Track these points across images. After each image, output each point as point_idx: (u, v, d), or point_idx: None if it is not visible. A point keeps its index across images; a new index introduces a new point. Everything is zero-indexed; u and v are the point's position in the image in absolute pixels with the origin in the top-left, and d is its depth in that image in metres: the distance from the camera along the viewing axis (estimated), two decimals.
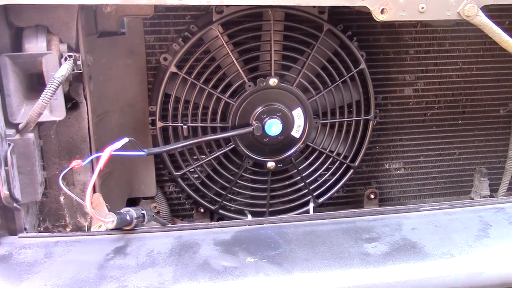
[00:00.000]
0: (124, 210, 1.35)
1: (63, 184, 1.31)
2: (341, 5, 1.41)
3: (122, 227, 1.34)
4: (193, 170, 1.89)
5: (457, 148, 2.17)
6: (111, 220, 1.29)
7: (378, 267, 1.24)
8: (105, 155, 1.25)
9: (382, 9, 1.44)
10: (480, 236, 1.36)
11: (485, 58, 2.07)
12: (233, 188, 1.93)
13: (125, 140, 1.32)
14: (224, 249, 1.29)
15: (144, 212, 1.39)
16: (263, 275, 1.21)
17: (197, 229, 1.39)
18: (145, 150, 1.45)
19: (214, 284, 1.18)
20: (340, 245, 1.31)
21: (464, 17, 1.48)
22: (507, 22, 1.94)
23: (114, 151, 1.28)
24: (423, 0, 1.44)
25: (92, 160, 1.43)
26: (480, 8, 1.49)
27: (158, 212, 1.93)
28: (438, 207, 1.49)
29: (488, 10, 1.50)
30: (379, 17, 1.45)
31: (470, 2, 1.47)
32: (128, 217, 1.34)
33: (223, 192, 1.92)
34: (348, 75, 1.86)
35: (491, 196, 2.14)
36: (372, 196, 2.13)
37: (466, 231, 1.38)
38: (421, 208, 1.48)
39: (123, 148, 1.35)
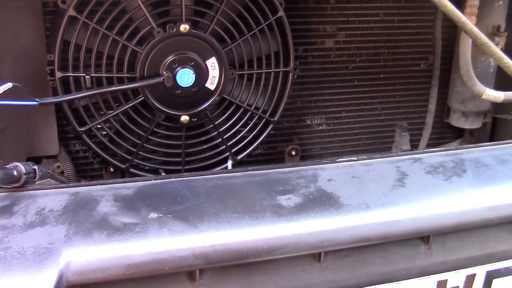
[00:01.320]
0: (11, 165, 1.21)
1: None
2: None
3: (10, 184, 1.20)
4: (100, 126, 1.74)
5: (379, 103, 2.14)
6: None
7: (291, 219, 1.17)
8: None
9: None
10: (397, 186, 1.32)
11: (406, 10, 2.02)
12: (145, 145, 1.80)
13: (9, 85, 1.16)
14: (125, 205, 1.18)
15: (35, 167, 1.25)
16: (167, 230, 1.11)
17: (97, 185, 1.27)
18: (37, 99, 1.30)
19: (111, 242, 1.07)
20: (252, 197, 1.23)
21: None
22: None
23: None
24: None
25: None
26: None
27: (62, 172, 1.77)
28: (355, 159, 1.44)
29: None
30: None
31: None
32: (15, 173, 1.19)
33: (134, 150, 1.78)
34: (266, 23, 1.75)
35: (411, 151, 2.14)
36: (293, 153, 2.06)
37: (382, 181, 1.34)
38: (339, 160, 1.43)
39: (14, 98, 1.20)
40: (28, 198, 1.20)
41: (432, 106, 2.10)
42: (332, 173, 1.37)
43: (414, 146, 2.19)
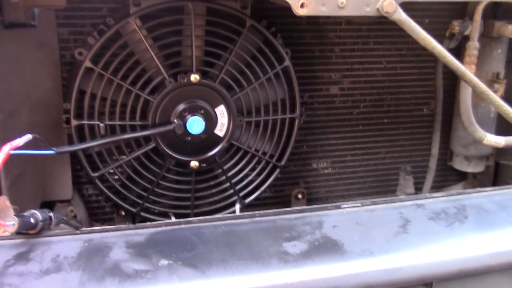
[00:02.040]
0: (28, 212, 1.25)
1: None
2: None
3: (27, 231, 1.25)
4: (112, 171, 1.80)
5: (383, 147, 2.19)
6: (11, 223, 1.19)
7: (297, 266, 1.21)
8: (2, 154, 1.15)
9: (302, 4, 1.42)
10: (400, 232, 1.36)
11: (408, 58, 2.09)
12: (155, 189, 1.85)
13: (28, 137, 1.22)
14: (137, 252, 1.22)
15: (51, 214, 1.29)
16: (177, 277, 1.15)
17: (110, 231, 1.32)
18: (54, 148, 1.36)
19: None
20: (259, 244, 1.27)
21: (383, 13, 1.49)
22: (427, 20, 1.97)
23: (14, 149, 1.19)
24: None
25: None
26: (400, 5, 1.49)
27: (75, 216, 1.82)
28: (360, 204, 1.48)
29: (408, 9, 1.51)
30: (298, 11, 1.43)
31: None
32: (32, 220, 1.24)
33: (145, 194, 1.84)
34: (272, 72, 1.83)
35: (416, 194, 2.17)
36: (299, 196, 2.11)
37: (386, 227, 1.37)
38: (343, 206, 1.47)
39: (32, 147, 1.26)
40: (43, 244, 1.24)
41: (435, 150, 2.14)
42: (336, 220, 1.41)
43: (418, 188, 2.23)
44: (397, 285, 1.28)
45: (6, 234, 1.34)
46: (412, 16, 1.52)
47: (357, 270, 1.24)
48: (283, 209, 1.45)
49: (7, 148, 1.17)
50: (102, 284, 1.12)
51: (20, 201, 1.50)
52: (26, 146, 1.28)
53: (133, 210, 1.84)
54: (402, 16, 1.51)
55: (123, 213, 1.89)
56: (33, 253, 1.21)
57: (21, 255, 1.20)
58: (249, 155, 1.91)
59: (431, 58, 2.08)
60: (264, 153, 1.93)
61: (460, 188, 2.31)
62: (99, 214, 1.92)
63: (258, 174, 1.95)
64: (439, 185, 2.31)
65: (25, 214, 1.24)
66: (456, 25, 1.86)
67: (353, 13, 1.47)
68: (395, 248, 1.30)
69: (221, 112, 1.77)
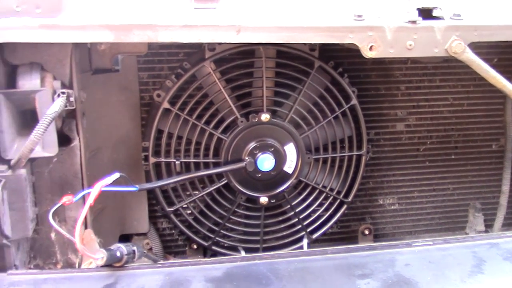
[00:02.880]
0: (114, 246, 1.34)
1: (54, 221, 1.30)
2: (331, 42, 1.44)
3: (112, 264, 1.33)
4: (186, 206, 1.89)
5: (450, 184, 2.18)
6: (100, 256, 1.28)
7: None
8: (95, 190, 1.25)
9: (371, 46, 1.47)
10: (474, 272, 1.35)
11: (475, 94, 2.09)
12: (226, 224, 1.92)
13: (116, 175, 1.32)
14: (215, 286, 1.28)
15: (134, 248, 1.38)
16: None
17: (188, 265, 1.38)
18: (137, 185, 1.45)
19: None
20: (332, 281, 1.30)
21: (451, 54, 1.51)
22: (495, 59, 1.97)
23: (105, 186, 1.28)
24: (410, 38, 1.47)
25: (84, 196, 1.42)
26: (467, 45, 1.51)
27: (150, 249, 1.91)
28: (431, 243, 1.48)
29: (476, 47, 1.53)
30: (368, 54, 1.47)
31: (457, 39, 1.49)
32: (118, 254, 1.32)
33: (216, 228, 1.90)
34: (340, 111, 1.88)
35: (486, 232, 2.13)
36: (366, 232, 2.12)
37: (460, 267, 1.37)
38: (415, 244, 1.48)
39: (115, 183, 1.35)
40: (128, 277, 1.32)
41: (505, 187, 2.10)
42: (408, 258, 1.41)
43: (488, 226, 2.19)
44: None
45: (92, 266, 1.44)
46: (479, 54, 1.53)
47: None
48: (354, 246, 1.48)
49: (99, 186, 1.26)
50: None
51: (101, 234, 1.59)
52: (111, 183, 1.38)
53: (205, 244, 1.91)
54: (471, 56, 1.53)
55: (195, 246, 1.96)
56: (119, 285, 1.28)
57: (109, 287, 1.27)
58: (316, 191, 1.95)
59: (499, 94, 2.07)
60: (332, 189, 1.97)
61: None
62: (172, 247, 2.00)
63: (326, 210, 1.98)
64: (511, 223, 2.25)
65: (111, 248, 1.33)
66: None
67: (421, 55, 1.50)
68: None
69: (290, 149, 1.83)
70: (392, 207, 2.15)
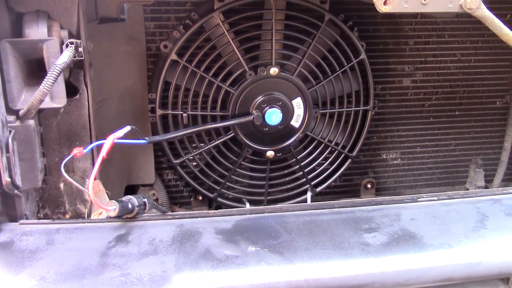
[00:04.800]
0: (126, 198, 1.36)
1: (65, 172, 1.30)
2: None
3: (124, 215, 1.35)
4: (192, 158, 1.89)
5: (453, 139, 2.19)
6: (113, 208, 1.29)
7: (378, 257, 1.26)
8: (108, 143, 1.25)
9: (385, 1, 1.44)
10: (478, 227, 1.38)
11: (483, 50, 2.08)
12: (231, 176, 1.93)
13: (128, 128, 1.31)
14: (226, 238, 1.30)
15: (145, 200, 1.39)
16: (265, 264, 1.22)
17: (198, 217, 1.40)
18: (146, 138, 1.45)
19: (216, 273, 1.19)
20: (340, 235, 1.33)
21: (466, 10, 1.49)
22: (508, 15, 1.94)
23: (116, 139, 1.28)
24: None
25: (93, 147, 1.43)
26: (482, 1, 1.49)
27: (156, 200, 1.93)
28: (436, 198, 1.51)
29: (489, 3, 1.51)
30: (382, 8, 1.45)
31: None
32: (129, 205, 1.34)
33: (222, 180, 1.92)
34: (348, 65, 1.86)
35: (486, 187, 2.17)
36: (369, 186, 2.14)
37: (463, 222, 1.40)
38: (420, 199, 1.50)
39: (124, 135, 1.35)
40: (140, 228, 1.34)
41: (508, 144, 2.12)
42: (414, 213, 1.44)
43: (488, 181, 2.22)
44: (474, 278, 1.31)
45: (102, 216, 1.46)
46: (491, 10, 1.51)
47: (436, 263, 1.27)
48: (361, 200, 1.50)
49: (111, 139, 1.26)
50: (197, 268, 1.20)
51: (108, 184, 1.61)
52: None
53: (211, 195, 1.93)
54: (485, 12, 1.50)
55: (200, 198, 1.98)
56: (131, 236, 1.30)
57: (121, 238, 1.29)
58: (322, 146, 1.96)
59: (507, 51, 2.06)
60: (337, 144, 1.98)
61: None
62: (178, 198, 2.02)
63: (330, 164, 2.00)
64: (510, 178, 2.28)
65: (123, 199, 1.34)
66: None
67: (435, 10, 1.48)
68: (474, 243, 1.32)
69: (298, 104, 1.82)
70: (395, 161, 2.17)
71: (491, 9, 1.51)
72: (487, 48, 2.07)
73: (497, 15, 1.52)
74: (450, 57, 2.06)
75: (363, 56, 1.86)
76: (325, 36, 1.81)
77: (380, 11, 1.45)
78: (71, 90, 1.46)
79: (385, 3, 1.45)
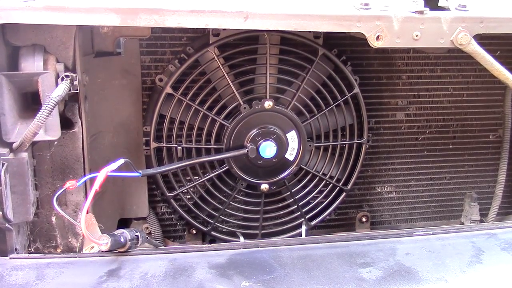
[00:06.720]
0: (118, 231, 1.34)
1: (57, 205, 1.29)
2: (339, 30, 1.43)
3: (116, 249, 1.33)
4: (186, 191, 1.88)
5: (447, 173, 2.20)
6: (105, 242, 1.28)
7: None
8: (101, 176, 1.24)
9: (378, 36, 1.47)
10: (473, 262, 1.37)
11: (475, 85, 2.10)
12: (225, 209, 1.92)
13: (121, 161, 1.31)
14: (219, 273, 1.28)
15: (138, 234, 1.38)
16: None
17: (192, 251, 1.39)
18: (140, 171, 1.45)
19: None
20: (334, 269, 1.31)
21: (457, 45, 1.52)
22: (498, 51, 1.98)
23: (110, 172, 1.28)
24: (417, 28, 1.47)
25: (86, 180, 1.42)
26: (473, 37, 1.52)
27: (150, 233, 1.91)
28: (431, 232, 1.50)
29: (480, 38, 1.53)
30: (374, 43, 1.47)
31: (463, 31, 1.50)
32: (122, 239, 1.32)
33: (216, 214, 1.91)
34: (342, 99, 1.88)
35: (481, 221, 2.16)
36: (364, 219, 2.13)
37: (459, 256, 1.39)
38: (415, 233, 1.50)
39: (118, 168, 1.34)
40: (132, 262, 1.32)
41: (501, 177, 2.13)
42: (409, 247, 1.43)
43: (483, 215, 2.21)
44: None
45: (94, 250, 1.44)
46: (482, 45, 1.53)
47: None
48: (356, 234, 1.49)
49: (105, 172, 1.26)
50: None
51: (101, 218, 1.59)
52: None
53: (204, 229, 1.92)
54: (476, 48, 1.53)
55: (194, 231, 1.96)
56: (123, 271, 1.28)
57: (113, 272, 1.28)
58: (316, 179, 1.96)
59: (499, 85, 2.09)
60: (331, 177, 1.97)
61: None
62: (171, 231, 2.00)
63: (325, 197, 1.99)
64: (504, 212, 2.28)
65: (115, 233, 1.33)
66: None
67: (427, 45, 1.51)
68: (470, 278, 1.31)
69: (292, 137, 1.83)
70: (390, 195, 2.17)
71: (481, 44, 1.54)
72: (479, 83, 2.10)
73: (488, 51, 1.55)
74: (442, 91, 2.08)
75: (356, 90, 1.87)
76: (319, 70, 1.83)
77: (373, 47, 1.47)
78: (66, 123, 1.47)
79: (377, 39, 1.47)
